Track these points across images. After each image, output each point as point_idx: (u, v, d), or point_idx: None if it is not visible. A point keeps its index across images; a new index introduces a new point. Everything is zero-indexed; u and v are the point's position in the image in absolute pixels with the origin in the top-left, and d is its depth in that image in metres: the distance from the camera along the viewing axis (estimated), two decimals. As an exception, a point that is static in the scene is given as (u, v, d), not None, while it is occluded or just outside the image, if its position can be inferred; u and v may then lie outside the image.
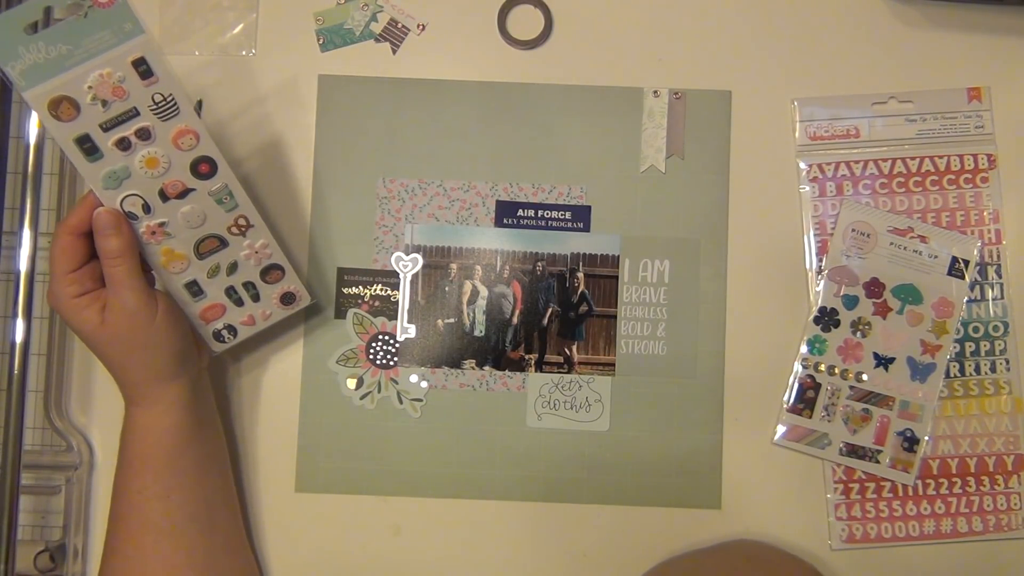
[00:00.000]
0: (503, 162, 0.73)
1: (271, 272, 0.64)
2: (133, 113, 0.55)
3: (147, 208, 0.59)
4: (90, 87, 0.54)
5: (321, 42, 0.73)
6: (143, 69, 0.54)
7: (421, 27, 0.73)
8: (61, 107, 0.54)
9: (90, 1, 0.52)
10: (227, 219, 0.61)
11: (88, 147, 0.55)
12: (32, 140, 0.68)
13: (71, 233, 0.57)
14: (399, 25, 0.73)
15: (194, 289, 0.62)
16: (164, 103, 0.56)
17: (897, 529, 0.71)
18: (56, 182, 0.71)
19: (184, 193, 0.59)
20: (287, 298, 0.66)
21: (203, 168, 0.59)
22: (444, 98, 0.73)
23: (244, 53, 0.73)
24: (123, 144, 0.56)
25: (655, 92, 0.73)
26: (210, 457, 0.66)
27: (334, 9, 0.73)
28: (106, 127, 0.55)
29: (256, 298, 0.65)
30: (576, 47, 0.74)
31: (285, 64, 0.73)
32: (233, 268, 0.63)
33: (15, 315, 0.66)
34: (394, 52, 0.73)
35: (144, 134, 0.56)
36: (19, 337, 0.66)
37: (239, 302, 0.64)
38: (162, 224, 0.59)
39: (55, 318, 0.72)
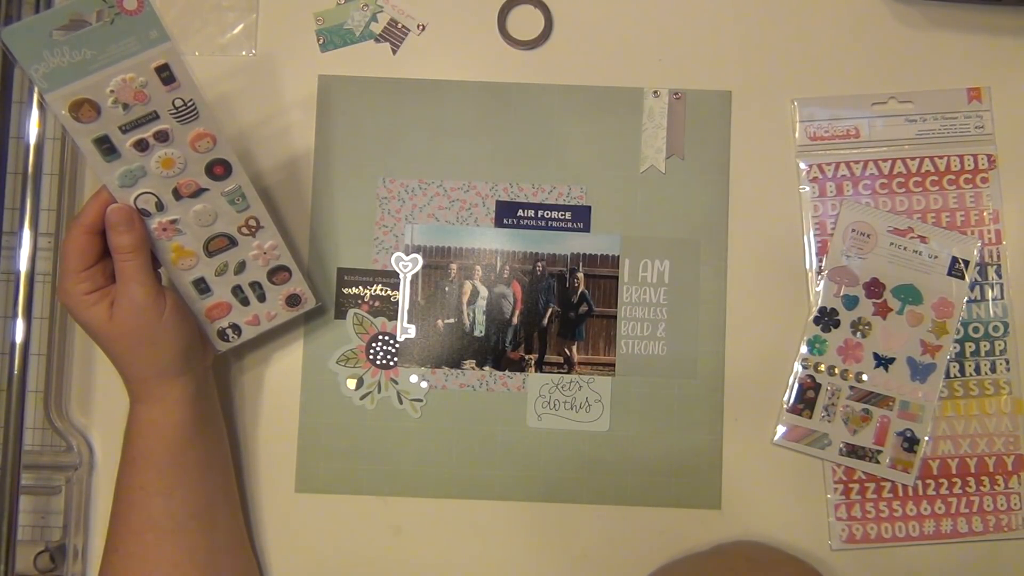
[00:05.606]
0: (503, 162, 0.79)
1: (278, 273, 0.71)
2: (153, 116, 0.61)
3: (160, 206, 0.64)
4: (112, 91, 0.59)
5: (321, 42, 0.79)
6: (166, 75, 0.60)
7: (421, 27, 0.80)
8: (82, 109, 0.59)
9: (117, 8, 0.57)
10: (238, 219, 0.67)
11: (106, 148, 0.61)
12: (32, 140, 0.74)
13: (87, 232, 0.63)
14: (399, 25, 0.80)
15: (201, 286, 0.69)
16: (184, 107, 0.62)
17: (897, 529, 0.77)
18: (56, 182, 0.77)
19: (197, 192, 0.65)
20: (293, 300, 0.73)
21: (218, 170, 0.65)
22: (444, 98, 0.79)
23: (244, 53, 0.79)
24: (141, 145, 0.62)
25: (655, 92, 0.79)
26: (213, 455, 0.71)
27: (334, 9, 0.80)
28: (125, 129, 0.61)
29: (262, 298, 0.71)
30: (576, 47, 0.80)
31: (285, 64, 0.79)
32: (241, 267, 0.69)
33: (15, 315, 0.72)
34: (394, 52, 0.80)
35: (162, 136, 0.62)
36: (19, 337, 0.72)
37: (245, 301, 0.71)
38: (173, 221, 0.65)
39: (55, 318, 0.77)
